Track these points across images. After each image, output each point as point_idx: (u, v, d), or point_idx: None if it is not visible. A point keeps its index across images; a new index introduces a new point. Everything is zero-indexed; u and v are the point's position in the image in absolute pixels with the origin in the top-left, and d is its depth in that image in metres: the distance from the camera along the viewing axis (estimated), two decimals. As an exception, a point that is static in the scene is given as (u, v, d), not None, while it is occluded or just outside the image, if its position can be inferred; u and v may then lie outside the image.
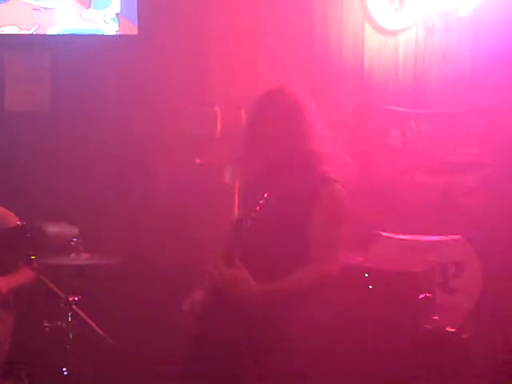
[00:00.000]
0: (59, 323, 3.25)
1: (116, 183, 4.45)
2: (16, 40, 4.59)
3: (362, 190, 4.30)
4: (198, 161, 4.34)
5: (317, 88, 4.37)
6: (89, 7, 4.61)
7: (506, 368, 3.60)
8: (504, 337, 3.77)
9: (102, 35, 4.60)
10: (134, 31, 4.58)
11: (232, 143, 3.39)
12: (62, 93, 4.57)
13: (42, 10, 4.59)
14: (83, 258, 3.43)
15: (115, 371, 3.86)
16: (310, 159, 2.66)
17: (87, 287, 3.40)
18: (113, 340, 3.55)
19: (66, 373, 3.31)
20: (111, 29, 4.61)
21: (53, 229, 3.50)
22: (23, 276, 3.67)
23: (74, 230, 3.51)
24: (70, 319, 3.25)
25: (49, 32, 4.59)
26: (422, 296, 3.59)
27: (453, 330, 3.58)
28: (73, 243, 3.47)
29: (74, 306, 3.29)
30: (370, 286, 3.63)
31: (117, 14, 4.61)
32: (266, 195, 2.56)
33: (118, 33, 4.60)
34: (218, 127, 4.38)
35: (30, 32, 4.57)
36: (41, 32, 4.58)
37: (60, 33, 4.59)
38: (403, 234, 4.00)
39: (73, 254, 3.45)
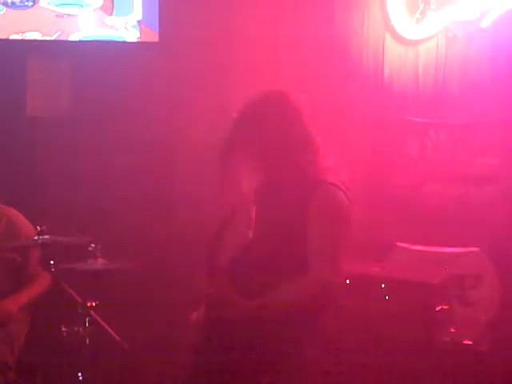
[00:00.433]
0: (76, 328, 3.26)
1: (133, 189, 4.46)
2: (39, 46, 4.64)
3: (379, 200, 4.32)
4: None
5: (337, 98, 4.38)
6: (111, 14, 4.65)
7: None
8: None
9: (124, 42, 4.64)
10: (155, 38, 4.61)
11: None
12: (83, 99, 4.60)
13: (65, 16, 4.64)
14: (100, 264, 3.45)
15: (131, 377, 3.87)
16: (305, 162, 2.52)
17: (104, 293, 3.41)
18: (129, 346, 3.56)
19: (81, 378, 3.32)
20: (133, 36, 4.65)
21: (71, 234, 3.53)
22: (39, 283, 3.69)
23: (91, 237, 3.52)
24: (87, 324, 3.27)
25: (71, 38, 4.63)
26: (438, 308, 3.57)
27: (470, 342, 3.56)
28: (90, 249, 3.49)
29: (92, 312, 3.30)
30: (387, 297, 3.62)
31: (138, 22, 4.64)
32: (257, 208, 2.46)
33: (139, 40, 4.64)
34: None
35: (52, 38, 4.62)
36: (63, 38, 4.63)
37: (82, 39, 4.64)
38: (420, 244, 3.98)
39: (90, 260, 3.47)
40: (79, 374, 3.28)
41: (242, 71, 4.46)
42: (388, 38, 4.48)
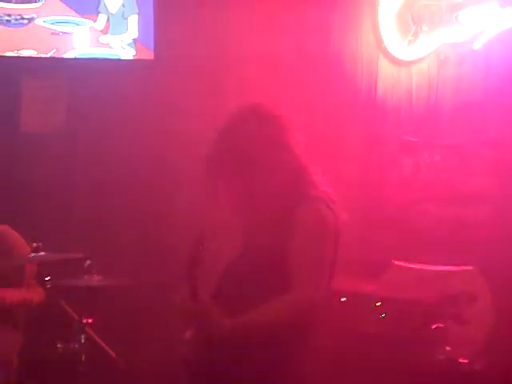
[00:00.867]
0: (72, 345, 3.24)
1: (131, 204, 4.45)
2: (34, 63, 4.65)
3: (374, 218, 4.34)
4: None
5: (331, 117, 4.41)
6: (106, 33, 4.67)
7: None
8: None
9: (119, 59, 4.66)
10: (151, 56, 4.63)
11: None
12: (78, 116, 4.60)
13: (61, 34, 4.65)
14: (96, 280, 3.43)
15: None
16: (290, 176, 2.41)
17: (100, 309, 3.39)
18: (125, 362, 3.54)
19: (76, 394, 3.29)
20: (128, 54, 4.67)
21: (66, 251, 3.52)
22: (33, 293, 3.67)
23: (87, 253, 3.51)
24: (83, 341, 3.24)
25: (66, 56, 4.65)
26: (434, 326, 3.58)
27: (465, 360, 3.56)
28: (86, 265, 3.47)
29: (88, 328, 3.28)
30: (382, 315, 3.62)
31: (134, 40, 4.67)
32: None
33: (135, 57, 4.66)
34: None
35: (47, 56, 4.63)
36: (58, 56, 4.64)
37: (77, 57, 4.65)
38: (416, 263, 4.00)
39: (86, 276, 3.45)
40: (74, 391, 3.26)
41: (237, 90, 4.49)
42: (381, 58, 4.53)
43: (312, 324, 2.42)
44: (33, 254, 3.47)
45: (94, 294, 3.39)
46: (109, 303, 3.77)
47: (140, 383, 3.89)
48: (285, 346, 2.35)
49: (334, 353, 3.46)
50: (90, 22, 4.66)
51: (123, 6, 4.65)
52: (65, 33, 4.65)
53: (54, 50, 4.64)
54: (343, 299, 3.64)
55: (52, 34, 4.64)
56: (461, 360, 3.55)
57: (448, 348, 3.57)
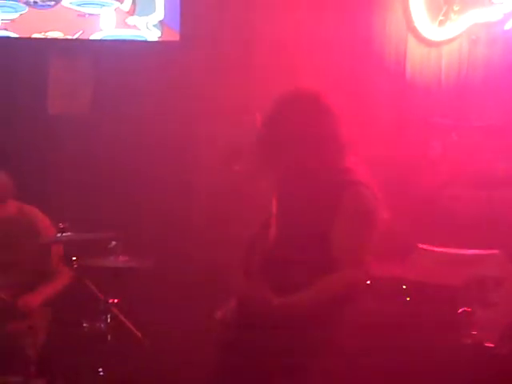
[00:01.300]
0: (98, 324, 3.27)
1: (155, 187, 4.47)
2: (60, 45, 4.67)
3: (400, 201, 4.29)
4: (237, 167, 4.35)
5: (359, 99, 4.36)
6: (133, 14, 4.67)
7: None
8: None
9: (145, 41, 4.66)
10: (176, 37, 4.62)
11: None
12: (104, 97, 4.62)
13: (87, 16, 4.66)
14: (121, 261, 3.45)
15: (152, 373, 3.87)
16: (333, 162, 2.52)
17: (126, 289, 3.42)
18: (150, 342, 3.57)
19: (101, 373, 3.32)
20: (154, 35, 4.67)
21: (92, 231, 3.54)
22: (59, 280, 3.72)
23: (112, 233, 3.53)
24: (108, 320, 3.27)
25: (92, 38, 4.66)
26: (460, 310, 3.54)
27: (491, 345, 3.52)
28: (111, 246, 3.49)
29: (113, 308, 3.31)
30: (408, 298, 3.59)
31: (160, 21, 4.66)
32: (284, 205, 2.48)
33: (161, 39, 4.65)
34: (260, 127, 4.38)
35: (74, 37, 4.65)
36: (85, 37, 4.65)
37: (103, 38, 4.65)
38: (442, 246, 3.95)
39: (111, 257, 3.47)
40: (100, 370, 3.28)
41: (264, 70, 4.46)
42: (411, 39, 4.47)
43: (353, 302, 2.53)
44: (59, 235, 3.50)
45: (120, 275, 3.41)
46: (134, 284, 3.80)
47: (165, 363, 3.92)
48: (325, 324, 2.45)
49: (359, 336, 3.44)
50: (116, 4, 4.66)
51: (149, -13, 4.64)
52: (91, 14, 4.66)
53: (81, 31, 4.66)
54: (368, 282, 3.62)
55: (78, 15, 4.66)
56: (487, 344, 3.51)
57: (474, 332, 3.53)
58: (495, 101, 4.37)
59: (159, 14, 4.66)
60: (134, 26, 4.67)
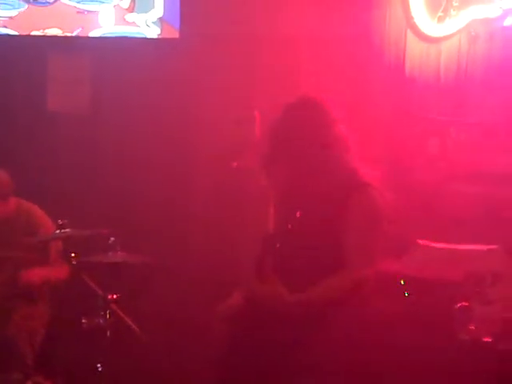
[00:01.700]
0: (97, 320, 3.28)
1: (155, 182, 4.49)
2: (59, 42, 4.67)
3: (400, 198, 4.29)
4: (234, 164, 4.36)
5: (358, 95, 4.36)
6: (132, 11, 4.67)
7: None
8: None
9: (144, 38, 4.66)
10: (176, 35, 4.63)
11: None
12: (104, 94, 4.63)
13: (86, 13, 4.67)
14: (120, 257, 3.46)
15: (150, 369, 3.89)
16: (342, 165, 2.62)
17: (124, 285, 3.43)
18: (149, 338, 3.58)
19: (100, 369, 3.33)
20: (153, 32, 4.67)
21: (91, 227, 3.55)
22: (58, 270, 3.74)
23: (111, 230, 3.54)
24: (107, 317, 3.29)
25: (92, 35, 4.66)
26: (458, 305, 3.54)
27: (489, 340, 3.53)
28: (110, 242, 3.50)
29: (112, 304, 3.32)
30: (406, 294, 3.60)
31: (159, 18, 4.66)
32: (298, 212, 2.56)
33: (160, 36, 4.65)
34: (258, 131, 4.40)
35: (73, 34, 4.65)
36: (84, 35, 4.65)
37: (103, 35, 4.66)
38: (440, 242, 3.96)
39: (110, 253, 3.48)
40: (98, 366, 3.29)
41: (264, 67, 4.46)
42: (410, 35, 4.46)
43: (362, 300, 2.63)
44: (58, 231, 3.51)
45: (119, 271, 3.42)
46: (133, 279, 3.81)
47: (164, 359, 3.94)
48: (333, 321, 2.55)
49: (357, 331, 3.44)
50: (115, 1, 4.66)
51: (149, -17, 4.65)
52: (90, 11, 4.67)
53: (80, 28, 4.66)
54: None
55: (77, 12, 4.67)
56: (485, 339, 3.52)
57: (472, 327, 3.53)
58: (494, 97, 4.36)
59: (158, 10, 4.66)
60: (133, 23, 4.68)
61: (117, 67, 4.59)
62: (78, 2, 4.66)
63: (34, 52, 4.62)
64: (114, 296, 3.36)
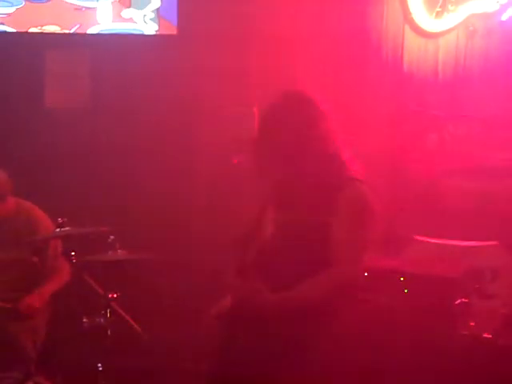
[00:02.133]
0: (98, 319, 3.28)
1: (153, 180, 4.49)
2: (57, 39, 4.66)
3: (398, 193, 4.31)
4: (234, 161, 4.37)
5: (356, 91, 4.37)
6: (129, 7, 4.66)
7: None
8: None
9: (142, 35, 4.66)
10: (174, 31, 4.62)
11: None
12: (102, 91, 4.62)
13: (84, 9, 4.65)
14: (120, 255, 3.46)
15: (151, 367, 3.90)
16: (330, 160, 2.54)
17: (125, 283, 3.43)
18: (150, 336, 3.58)
19: (101, 368, 3.34)
20: (151, 29, 4.66)
21: (90, 226, 3.55)
22: (59, 277, 3.74)
23: (110, 228, 3.54)
24: (108, 315, 3.29)
25: (90, 31, 4.65)
26: (458, 301, 3.56)
27: (489, 336, 3.54)
28: (110, 240, 3.50)
29: (113, 303, 3.32)
30: (406, 290, 3.61)
31: (157, 15, 4.65)
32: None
33: (158, 33, 4.65)
34: (256, 128, 4.39)
35: (71, 31, 4.64)
36: (82, 31, 4.64)
37: (100, 32, 4.65)
38: (439, 238, 3.97)
39: (110, 251, 3.48)
40: (99, 365, 3.30)
41: (262, 63, 4.46)
42: (408, 30, 4.46)
43: (349, 298, 2.56)
44: (58, 230, 3.51)
45: (119, 269, 3.42)
46: (133, 278, 3.81)
47: (165, 357, 3.95)
48: (319, 320, 2.47)
49: (357, 328, 3.45)
50: (112, -3, 4.65)
51: (146, -21, 4.63)
52: (88, 8, 4.66)
53: (78, 25, 4.65)
54: (365, 274, 3.63)
55: (75, 9, 4.65)
56: (485, 335, 3.53)
57: (472, 323, 3.55)
58: (492, 92, 4.37)
59: (156, 6, 4.64)
60: (131, 20, 4.67)
61: (115, 64, 4.58)
62: (76, -1, 4.65)
63: (32, 49, 4.60)
64: (115, 295, 3.35)
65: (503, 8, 4.35)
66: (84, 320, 3.28)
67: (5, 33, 4.62)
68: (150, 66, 4.55)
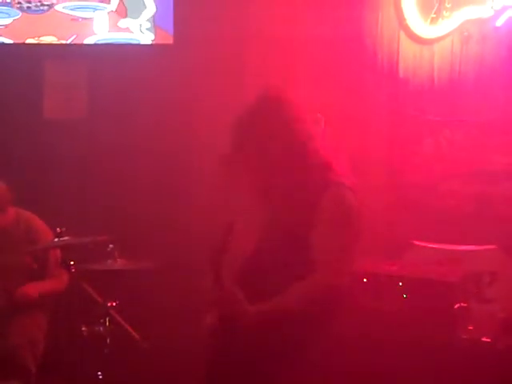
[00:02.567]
0: (97, 328, 3.29)
1: (151, 189, 4.49)
2: (54, 49, 4.68)
3: (395, 198, 4.32)
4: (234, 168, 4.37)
5: (352, 97, 4.38)
6: (125, 16, 4.68)
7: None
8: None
9: (139, 44, 4.68)
10: (170, 40, 4.64)
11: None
12: (99, 101, 4.64)
13: (80, 20, 4.68)
14: (119, 264, 3.47)
15: (150, 376, 3.89)
16: (311, 163, 2.45)
17: (124, 292, 3.44)
18: (149, 345, 3.59)
19: (100, 376, 3.34)
20: (147, 38, 4.68)
21: (89, 235, 3.56)
22: (56, 281, 3.75)
23: (109, 237, 3.55)
24: (107, 324, 3.29)
25: (86, 42, 4.67)
26: (456, 306, 3.56)
27: (488, 340, 3.55)
28: (109, 249, 3.51)
29: (112, 311, 3.33)
30: (404, 295, 3.61)
31: (153, 24, 4.67)
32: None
33: (154, 42, 4.67)
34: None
35: (68, 42, 4.66)
36: (79, 42, 4.66)
37: (97, 42, 4.67)
38: (437, 243, 3.97)
39: (109, 260, 3.49)
40: (99, 373, 3.30)
41: (258, 72, 4.48)
42: (403, 36, 4.48)
43: (332, 309, 2.46)
44: (57, 239, 3.52)
45: (118, 278, 3.43)
46: (132, 286, 3.82)
47: (164, 365, 3.94)
48: (303, 331, 2.39)
49: (357, 333, 3.46)
50: (109, 7, 4.67)
51: (142, -11, 4.66)
52: (84, 18, 4.68)
53: (74, 35, 4.67)
54: (365, 280, 3.64)
55: (72, 19, 4.67)
56: (483, 339, 3.53)
57: (471, 327, 3.55)
58: (488, 97, 4.38)
59: (150, 10, 4.65)
60: (128, 29, 4.69)
61: (112, 73, 4.59)
62: (72, 10, 4.66)
63: (29, 60, 4.62)
64: (114, 303, 3.36)
65: (497, 14, 4.36)
66: (83, 328, 3.30)
67: (2, 44, 4.64)
68: (147, 75, 4.57)
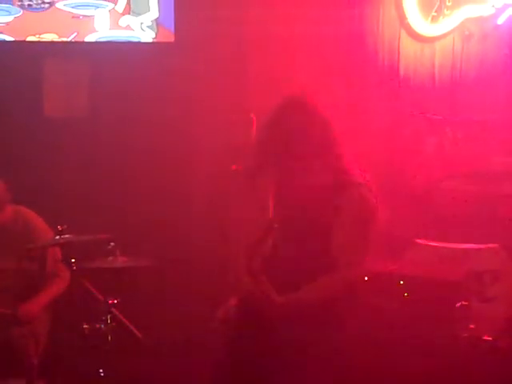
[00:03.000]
0: (98, 325, 3.28)
1: (153, 187, 4.49)
2: (55, 47, 4.67)
3: (397, 197, 4.31)
4: (233, 167, 4.38)
5: (353, 96, 4.38)
6: (127, 14, 4.67)
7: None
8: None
9: (140, 42, 4.67)
10: (171, 38, 4.64)
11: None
12: (100, 99, 4.63)
13: (81, 17, 4.67)
14: (120, 262, 3.47)
15: (152, 373, 3.89)
16: (332, 164, 2.59)
17: (125, 290, 3.44)
18: (150, 342, 3.59)
19: (102, 374, 3.34)
20: (148, 36, 4.68)
21: (90, 233, 3.56)
22: (56, 285, 3.74)
23: (111, 234, 3.54)
24: (109, 321, 3.29)
25: (87, 39, 4.66)
26: (458, 304, 3.56)
27: (489, 338, 3.55)
28: (110, 247, 3.51)
29: (113, 309, 3.32)
30: (406, 294, 3.62)
31: (154, 22, 4.66)
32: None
33: (155, 40, 4.66)
34: (254, 134, 4.41)
35: (69, 39, 4.65)
36: (80, 39, 4.66)
37: (98, 40, 4.66)
38: (439, 241, 3.97)
39: (110, 258, 3.48)
40: (101, 370, 3.30)
41: (259, 70, 4.48)
42: (404, 35, 4.49)
43: (349, 305, 2.59)
44: (57, 237, 3.51)
45: (119, 275, 3.43)
46: (133, 284, 3.81)
47: (166, 363, 3.94)
48: (325, 323, 2.51)
49: (358, 331, 3.46)
50: (110, 5, 4.67)
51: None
52: (86, 16, 4.67)
53: (75, 33, 4.66)
54: (365, 278, 3.64)
55: (73, 17, 4.66)
56: (485, 338, 3.54)
57: (472, 326, 3.56)
58: (488, 95, 4.39)
59: (153, 14, 4.67)
60: (128, 27, 4.68)
61: (113, 71, 4.59)
62: (73, 7, 4.66)
63: (30, 57, 4.61)
64: (115, 301, 3.36)
65: (498, 12, 4.37)
66: (85, 326, 3.29)
67: (3, 41, 4.64)
68: (148, 73, 4.56)
